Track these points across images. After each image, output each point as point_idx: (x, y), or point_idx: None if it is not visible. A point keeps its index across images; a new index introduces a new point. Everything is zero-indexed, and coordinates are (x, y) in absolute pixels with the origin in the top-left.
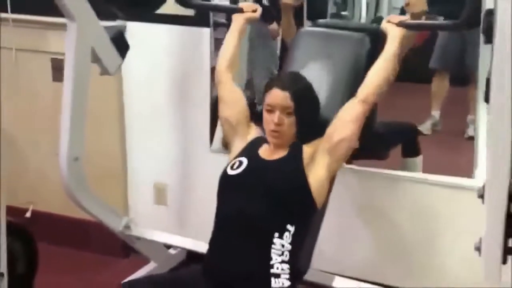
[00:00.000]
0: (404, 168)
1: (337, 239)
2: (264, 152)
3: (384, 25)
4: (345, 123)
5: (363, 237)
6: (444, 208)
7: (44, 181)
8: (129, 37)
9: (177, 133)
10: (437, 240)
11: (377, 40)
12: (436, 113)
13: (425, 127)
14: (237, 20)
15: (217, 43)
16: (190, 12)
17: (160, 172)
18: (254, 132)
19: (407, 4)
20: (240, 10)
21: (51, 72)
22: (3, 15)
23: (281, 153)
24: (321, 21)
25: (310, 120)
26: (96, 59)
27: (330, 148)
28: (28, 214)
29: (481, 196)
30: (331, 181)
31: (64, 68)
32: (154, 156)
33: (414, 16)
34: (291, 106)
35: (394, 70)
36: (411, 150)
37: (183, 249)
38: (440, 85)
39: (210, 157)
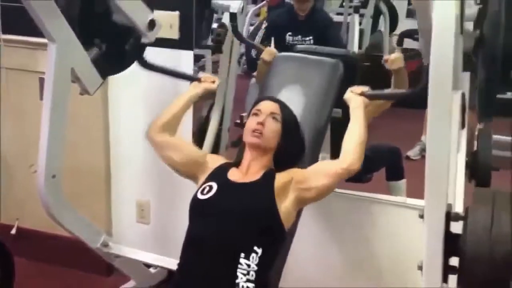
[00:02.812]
0: (389, 191)
1: (313, 260)
2: (234, 175)
3: (347, 95)
4: (324, 174)
5: (339, 259)
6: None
7: (30, 198)
8: None
9: None
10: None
11: (350, 65)
12: (425, 138)
13: (414, 152)
14: (193, 89)
15: (215, 66)
16: (174, 35)
17: (143, 189)
18: (217, 160)
19: (386, 61)
20: (199, 80)
21: (39, 90)
22: None
23: (253, 176)
24: (299, 46)
25: (292, 141)
26: (76, 79)
27: (301, 190)
28: (13, 231)
29: (422, 216)
30: (300, 210)
31: (44, 87)
32: (137, 174)
33: (395, 72)
34: (278, 113)
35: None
36: (395, 173)
37: (163, 268)
38: None
39: None
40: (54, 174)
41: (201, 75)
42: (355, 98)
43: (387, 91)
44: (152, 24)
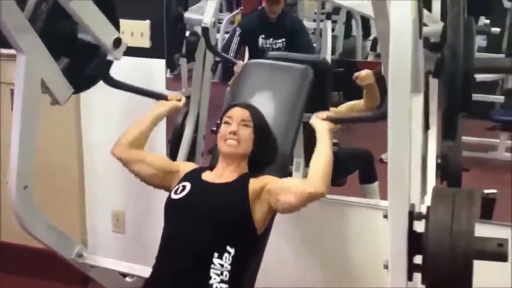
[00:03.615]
0: (363, 194)
1: (287, 261)
2: (208, 176)
3: (312, 120)
4: (292, 193)
5: (313, 262)
6: None
7: (6, 211)
8: None
9: None
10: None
11: (320, 70)
12: None
13: (386, 155)
14: (160, 107)
15: (190, 74)
16: (145, 43)
17: (118, 199)
18: (190, 166)
19: (357, 78)
20: (165, 98)
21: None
22: None
23: (227, 178)
24: (270, 53)
25: (265, 146)
26: (46, 89)
27: (273, 201)
28: None
29: (386, 216)
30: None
31: (14, 99)
32: (112, 183)
33: (366, 87)
34: (249, 120)
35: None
36: (367, 176)
37: (139, 277)
38: None
39: None
40: (26, 185)
41: (167, 92)
42: (320, 122)
43: (350, 115)
44: (117, 43)
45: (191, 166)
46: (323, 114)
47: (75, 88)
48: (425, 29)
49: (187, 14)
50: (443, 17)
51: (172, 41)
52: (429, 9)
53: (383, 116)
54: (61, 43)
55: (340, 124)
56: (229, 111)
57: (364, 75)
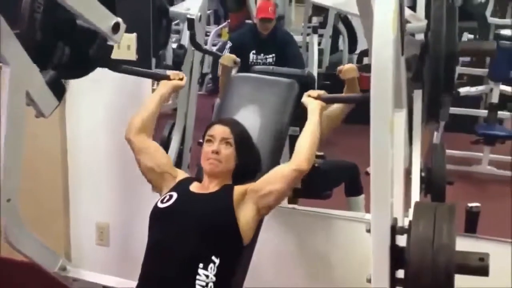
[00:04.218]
0: (348, 207)
1: (273, 274)
2: (195, 187)
3: (304, 99)
4: (277, 179)
5: (298, 275)
6: None
7: None
8: (73, 80)
9: (120, 173)
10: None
11: (306, 84)
12: None
13: None
14: (163, 87)
15: None
16: (132, 56)
17: (102, 212)
18: (181, 175)
19: (340, 71)
20: (167, 78)
21: None
22: None
23: (212, 188)
24: (256, 67)
25: (247, 160)
26: (31, 102)
27: (260, 196)
28: None
29: (369, 230)
30: (260, 221)
31: None
32: (96, 196)
33: (348, 82)
34: (230, 138)
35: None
36: (353, 189)
37: None
38: None
39: (153, 197)
40: (9, 198)
41: (169, 72)
42: (312, 101)
43: (342, 94)
44: (116, 27)
45: (182, 175)
46: (315, 92)
47: (78, 74)
48: (409, 25)
49: (172, 8)
50: (427, 15)
51: (157, 36)
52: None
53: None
54: (61, 31)
55: (331, 103)
56: (210, 128)
57: (347, 68)
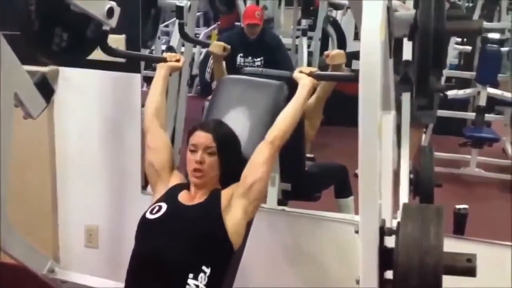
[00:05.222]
0: (338, 208)
1: (263, 276)
2: (184, 197)
3: (296, 74)
4: (257, 165)
5: (287, 277)
6: None
7: None
8: (62, 81)
9: (109, 175)
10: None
11: (295, 86)
12: None
13: None
14: (161, 69)
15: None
16: (121, 59)
17: (91, 214)
18: (176, 179)
19: (327, 56)
20: (164, 60)
21: None
22: None
23: (200, 198)
24: (246, 69)
25: (232, 164)
26: (19, 103)
27: (244, 191)
28: None
29: (357, 231)
30: (248, 223)
31: None
32: (85, 198)
33: (333, 67)
34: (213, 146)
35: (301, 115)
36: (343, 191)
37: None
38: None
39: (142, 199)
40: None
41: (165, 54)
42: (304, 77)
43: (333, 72)
44: (110, 12)
45: (176, 179)
46: (307, 69)
47: (77, 59)
48: (396, 13)
49: None
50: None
51: (146, 26)
52: None
53: None
54: (56, 18)
55: (323, 80)
56: (193, 135)
57: (335, 53)
